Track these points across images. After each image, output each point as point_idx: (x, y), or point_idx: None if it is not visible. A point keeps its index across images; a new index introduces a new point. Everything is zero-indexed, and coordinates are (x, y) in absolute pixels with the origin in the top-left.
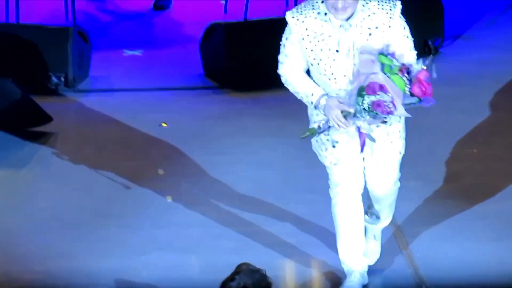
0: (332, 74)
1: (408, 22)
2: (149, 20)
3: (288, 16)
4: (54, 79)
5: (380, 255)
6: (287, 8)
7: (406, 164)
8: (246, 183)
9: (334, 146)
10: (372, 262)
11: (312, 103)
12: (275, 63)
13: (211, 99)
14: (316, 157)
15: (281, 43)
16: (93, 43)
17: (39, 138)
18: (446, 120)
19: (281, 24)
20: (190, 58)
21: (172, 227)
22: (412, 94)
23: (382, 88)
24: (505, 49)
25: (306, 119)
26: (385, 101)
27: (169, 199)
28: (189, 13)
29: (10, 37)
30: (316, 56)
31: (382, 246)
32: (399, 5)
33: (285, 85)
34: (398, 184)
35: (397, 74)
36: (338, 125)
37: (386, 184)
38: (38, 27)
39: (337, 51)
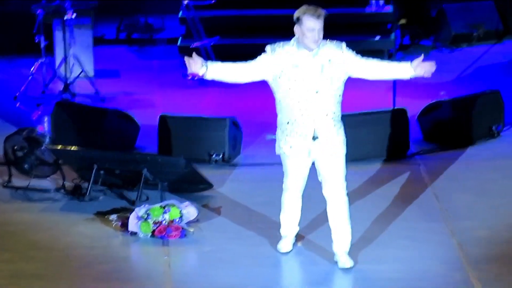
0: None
1: (476, 114)
2: None
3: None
4: (214, 156)
5: None
6: None
7: None
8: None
9: None
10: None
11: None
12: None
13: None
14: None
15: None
16: (243, 130)
17: (202, 200)
18: None
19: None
20: None
21: None
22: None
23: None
24: None
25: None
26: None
27: None
28: None
29: (182, 126)
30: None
31: None
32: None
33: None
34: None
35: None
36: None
37: None
38: (204, 118)
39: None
